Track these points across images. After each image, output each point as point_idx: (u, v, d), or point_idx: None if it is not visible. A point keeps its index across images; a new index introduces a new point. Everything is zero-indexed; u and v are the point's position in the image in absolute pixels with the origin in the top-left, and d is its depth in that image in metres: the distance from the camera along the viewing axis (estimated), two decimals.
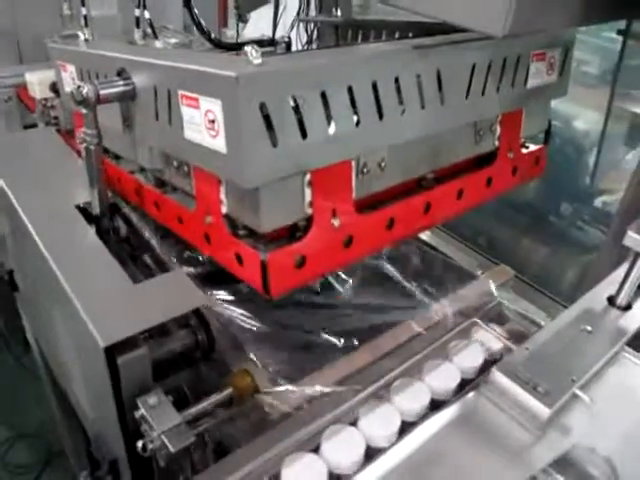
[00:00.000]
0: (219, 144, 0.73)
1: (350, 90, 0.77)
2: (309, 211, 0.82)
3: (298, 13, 1.73)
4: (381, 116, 0.82)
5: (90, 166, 0.99)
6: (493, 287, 1.22)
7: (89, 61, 1.09)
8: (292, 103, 0.72)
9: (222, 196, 0.83)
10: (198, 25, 1.74)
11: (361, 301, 1.17)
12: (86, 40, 1.19)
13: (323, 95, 0.75)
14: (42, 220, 1.09)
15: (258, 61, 0.70)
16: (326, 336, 1.08)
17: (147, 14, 1.64)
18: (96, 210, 1.05)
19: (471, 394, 0.84)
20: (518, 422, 0.79)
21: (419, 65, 0.85)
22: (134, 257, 1.18)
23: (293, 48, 1.66)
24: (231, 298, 1.09)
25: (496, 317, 1.20)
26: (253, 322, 1.07)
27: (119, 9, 1.87)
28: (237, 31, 2.10)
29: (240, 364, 0.98)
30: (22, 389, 2.67)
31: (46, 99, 1.45)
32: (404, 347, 1.05)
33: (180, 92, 0.79)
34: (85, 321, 0.84)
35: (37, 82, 1.44)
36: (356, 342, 1.07)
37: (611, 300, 1.00)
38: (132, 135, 1.01)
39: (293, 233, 0.83)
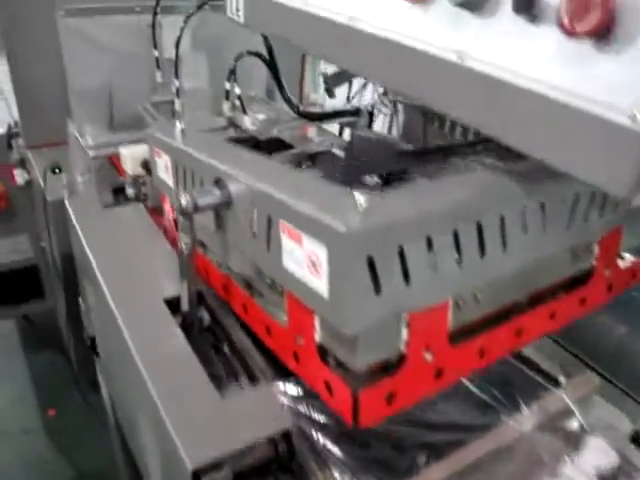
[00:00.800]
0: (321, 286, 0.73)
1: (455, 233, 0.76)
2: (403, 348, 0.80)
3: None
4: (483, 254, 0.80)
5: (184, 268, 1.01)
6: (574, 405, 1.15)
7: (185, 159, 1.12)
8: (397, 250, 0.71)
9: (316, 325, 0.83)
10: (287, 100, 1.78)
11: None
12: (182, 132, 1.22)
13: (429, 241, 0.73)
14: (129, 310, 1.11)
15: (364, 206, 0.70)
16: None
17: (237, 89, 1.68)
18: (185, 307, 1.07)
19: None
20: None
21: (524, 201, 0.83)
22: (216, 347, 1.19)
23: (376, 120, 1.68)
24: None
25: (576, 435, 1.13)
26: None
27: (209, 81, 1.93)
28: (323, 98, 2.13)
29: (320, 474, 0.96)
30: (86, 428, 2.73)
31: (138, 176, 1.50)
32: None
33: (282, 222, 0.79)
34: (173, 437, 0.85)
35: (130, 157, 1.49)
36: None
37: None
38: (224, 237, 1.03)
39: (385, 368, 0.81)
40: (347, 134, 2.01)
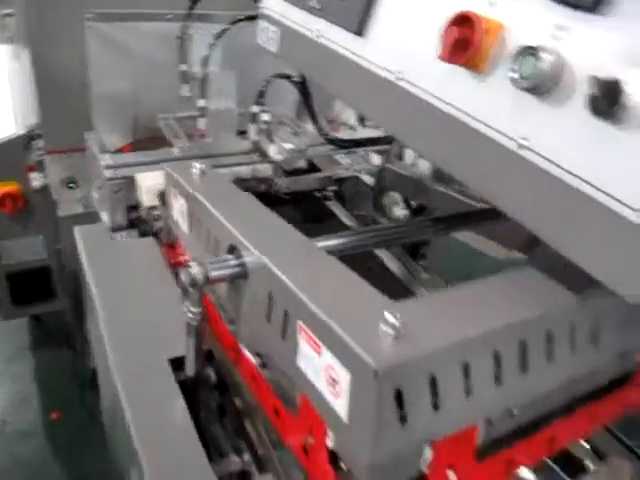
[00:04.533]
0: (339, 407, 0.64)
1: (497, 356, 0.67)
2: (424, 469, 0.71)
3: None
4: (525, 373, 0.71)
5: (190, 340, 0.93)
6: None
7: (200, 211, 1.03)
8: (428, 380, 0.62)
9: (329, 432, 0.74)
10: (317, 125, 1.69)
11: None
12: (202, 172, 1.14)
13: (465, 368, 0.64)
14: (128, 365, 1.04)
15: (398, 328, 0.61)
16: None
17: (266, 116, 1.60)
18: (190, 373, 0.99)
19: None
20: None
21: (576, 316, 0.73)
22: (221, 408, 1.11)
23: None
24: None
25: None
26: None
27: (238, 100, 1.84)
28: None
29: None
30: (90, 432, 2.68)
31: (153, 207, 1.42)
32: None
33: (300, 324, 0.71)
34: None
35: (145, 189, 1.41)
36: None
37: None
38: (237, 306, 0.95)
39: None
40: (376, 159, 1.92)
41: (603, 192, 0.55)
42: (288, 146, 1.62)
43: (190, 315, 0.89)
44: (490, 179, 0.67)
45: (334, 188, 1.95)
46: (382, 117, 0.88)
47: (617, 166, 0.55)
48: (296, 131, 1.91)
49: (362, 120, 1.95)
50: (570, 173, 0.58)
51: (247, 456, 1.00)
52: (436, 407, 0.64)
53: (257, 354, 0.97)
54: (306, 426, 0.80)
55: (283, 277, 0.74)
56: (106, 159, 1.62)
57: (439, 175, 1.51)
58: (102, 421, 1.51)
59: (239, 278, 0.88)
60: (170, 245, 1.37)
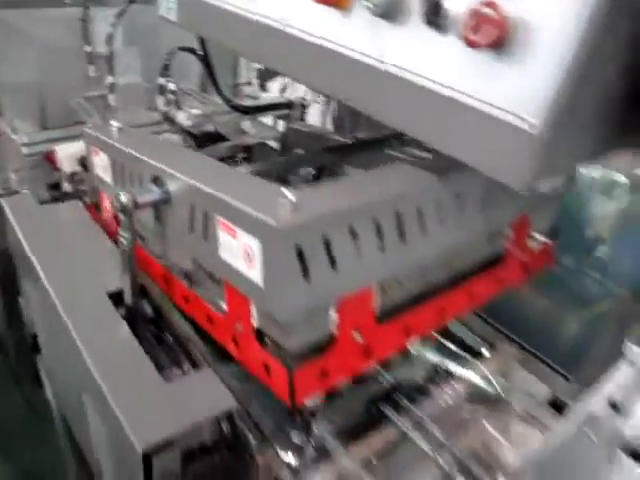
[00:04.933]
0: (255, 276, 0.79)
1: (377, 224, 0.83)
2: (334, 330, 0.88)
3: None
4: (404, 241, 0.88)
5: (125, 263, 1.05)
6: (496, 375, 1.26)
7: (123, 158, 1.15)
8: (323, 241, 0.78)
9: (253, 311, 0.89)
10: (221, 94, 1.82)
11: None
12: (119, 130, 1.25)
13: (352, 231, 0.81)
14: (73, 304, 1.14)
15: (292, 201, 0.76)
16: None
17: (171, 85, 1.71)
18: (128, 300, 1.11)
19: None
20: None
21: (441, 193, 0.91)
22: (159, 338, 1.23)
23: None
24: None
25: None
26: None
27: (143, 76, 1.94)
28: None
29: (263, 452, 1.03)
30: (29, 428, 2.69)
31: (74, 173, 1.51)
32: None
33: (218, 218, 0.85)
34: (121, 422, 0.90)
35: (65, 157, 1.51)
36: None
37: (614, 405, 1.05)
38: (164, 232, 1.07)
39: (318, 348, 0.89)
40: (281, 126, 2.07)
41: (458, 91, 0.71)
42: (195, 112, 1.74)
43: (123, 241, 1.01)
44: (368, 97, 0.83)
45: (243, 155, 2.08)
46: (278, 62, 1.03)
47: (453, 65, 0.72)
48: (202, 101, 2.03)
49: (263, 87, 2.09)
50: (425, 78, 0.74)
51: (187, 366, 1.12)
52: (333, 266, 0.80)
53: (185, 275, 1.10)
54: (234, 316, 0.94)
55: (200, 184, 0.88)
56: (22, 138, 1.68)
57: (339, 127, 1.67)
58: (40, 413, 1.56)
59: (163, 203, 1.01)
60: (94, 205, 1.47)
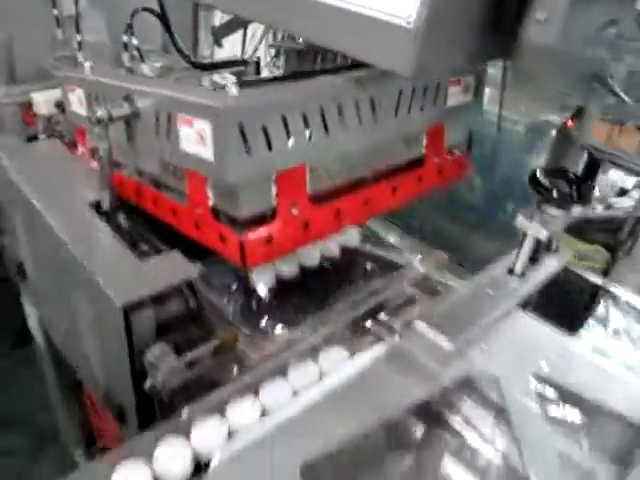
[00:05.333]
0: (208, 153, 1.01)
1: (304, 115, 1.06)
2: (274, 203, 1.10)
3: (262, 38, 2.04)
4: (327, 133, 1.11)
5: (103, 172, 1.26)
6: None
7: (97, 87, 1.36)
8: (261, 124, 1.00)
9: (209, 192, 1.11)
10: (179, 50, 2.02)
11: None
12: (92, 67, 1.45)
13: (284, 119, 1.03)
14: (57, 212, 1.34)
15: (235, 94, 0.98)
16: None
17: (135, 40, 1.91)
18: (106, 206, 1.31)
19: (397, 338, 1.12)
20: (431, 356, 1.08)
21: (357, 95, 1.14)
22: (134, 245, 1.44)
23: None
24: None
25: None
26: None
27: (108, 35, 2.13)
28: (212, 52, 2.39)
29: (221, 325, 1.25)
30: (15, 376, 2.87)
31: (51, 115, 1.70)
32: None
33: (178, 115, 1.06)
34: (103, 289, 1.11)
35: (43, 101, 1.70)
36: None
37: (510, 270, 1.29)
38: (134, 146, 1.28)
39: (263, 220, 1.11)
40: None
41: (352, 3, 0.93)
42: (158, 64, 1.94)
43: (101, 151, 1.22)
44: (292, 21, 1.05)
45: None
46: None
47: None
48: (164, 58, 2.22)
49: (218, 44, 2.29)
50: None
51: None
52: (270, 146, 1.02)
53: (152, 181, 1.31)
54: (194, 202, 1.16)
55: (164, 92, 1.10)
56: (2, 90, 1.86)
57: None
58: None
59: (133, 117, 1.21)
60: (71, 144, 1.66)
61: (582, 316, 1.27)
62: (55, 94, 1.70)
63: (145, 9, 1.90)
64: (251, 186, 1.05)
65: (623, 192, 1.80)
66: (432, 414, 1.06)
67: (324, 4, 0.95)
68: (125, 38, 1.88)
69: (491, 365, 1.08)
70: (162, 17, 1.94)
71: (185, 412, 0.97)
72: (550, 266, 1.32)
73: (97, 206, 1.35)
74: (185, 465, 0.91)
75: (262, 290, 1.29)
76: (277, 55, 1.97)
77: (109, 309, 1.10)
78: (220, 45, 2.23)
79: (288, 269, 1.35)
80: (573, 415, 1.05)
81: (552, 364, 1.09)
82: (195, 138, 1.03)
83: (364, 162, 1.27)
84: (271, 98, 1.03)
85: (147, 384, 1.11)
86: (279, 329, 1.24)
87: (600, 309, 1.34)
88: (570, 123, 1.45)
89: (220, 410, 1.01)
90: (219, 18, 2.79)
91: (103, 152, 1.23)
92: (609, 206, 1.71)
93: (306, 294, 1.37)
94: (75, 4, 2.01)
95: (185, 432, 0.96)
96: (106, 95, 1.32)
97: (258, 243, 1.09)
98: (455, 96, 1.37)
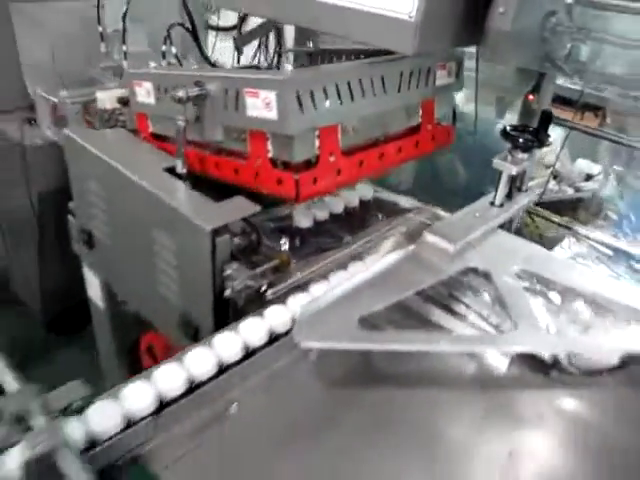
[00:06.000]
0: (272, 115, 1.41)
1: (337, 87, 1.47)
2: (317, 151, 1.51)
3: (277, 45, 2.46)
4: (352, 100, 1.52)
5: (179, 139, 1.65)
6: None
7: (166, 79, 1.76)
8: (309, 91, 1.41)
9: (269, 146, 1.51)
10: (205, 57, 2.44)
11: None
12: (155, 67, 1.85)
13: (324, 89, 1.44)
14: (139, 173, 1.71)
15: (291, 71, 1.39)
16: None
17: (173, 49, 2.32)
18: (180, 169, 1.70)
19: (411, 247, 1.53)
20: (437, 256, 1.48)
21: (372, 73, 1.56)
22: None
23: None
24: None
25: None
26: None
27: (149, 45, 2.54)
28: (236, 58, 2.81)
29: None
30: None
31: (113, 110, 2.10)
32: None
33: (245, 89, 1.46)
34: (192, 220, 1.49)
35: (107, 98, 2.09)
36: None
37: (492, 202, 1.71)
38: (202, 119, 1.68)
39: (309, 165, 1.51)
40: None
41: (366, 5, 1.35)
42: (195, 66, 2.35)
43: (179, 122, 1.62)
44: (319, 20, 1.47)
45: None
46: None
47: None
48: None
49: (239, 51, 2.70)
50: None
51: None
52: (315, 107, 1.43)
53: (213, 150, 1.71)
54: (255, 155, 1.56)
55: (232, 75, 1.51)
56: (62, 94, 2.26)
57: None
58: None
59: (203, 98, 1.61)
60: (133, 132, 2.05)
61: None
62: (114, 93, 2.09)
63: (180, 24, 2.33)
64: (302, 139, 1.45)
65: (589, 177, 2.26)
66: (439, 299, 1.47)
67: (348, 8, 1.37)
68: (164, 47, 2.30)
69: (483, 262, 1.49)
70: (193, 31, 2.36)
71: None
72: (521, 201, 1.74)
73: (170, 170, 1.74)
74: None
75: (303, 226, 1.69)
76: (296, 59, 2.38)
77: (197, 235, 1.49)
78: (241, 53, 2.65)
79: (321, 214, 1.77)
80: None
81: (528, 261, 1.50)
82: (261, 105, 1.43)
83: (377, 126, 1.69)
84: (314, 73, 1.45)
85: (227, 292, 1.50)
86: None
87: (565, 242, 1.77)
88: (531, 97, 1.88)
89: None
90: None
91: (181, 123, 1.63)
92: (578, 189, 2.17)
93: (334, 232, 1.78)
94: (122, 20, 2.41)
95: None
96: (176, 84, 1.71)
97: (307, 182, 1.49)
98: (441, 78, 1.80)
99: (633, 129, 1.98)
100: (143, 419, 1.11)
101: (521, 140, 1.58)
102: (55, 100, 2.31)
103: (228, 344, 1.27)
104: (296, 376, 1.28)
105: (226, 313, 1.56)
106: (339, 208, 1.82)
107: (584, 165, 2.28)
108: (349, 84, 1.50)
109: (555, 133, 1.83)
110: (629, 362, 1.28)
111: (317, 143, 1.50)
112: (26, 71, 2.60)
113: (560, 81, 1.95)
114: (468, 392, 1.26)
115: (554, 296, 1.42)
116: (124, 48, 2.42)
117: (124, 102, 2.05)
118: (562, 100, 2.05)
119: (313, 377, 1.29)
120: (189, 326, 1.69)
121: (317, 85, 1.43)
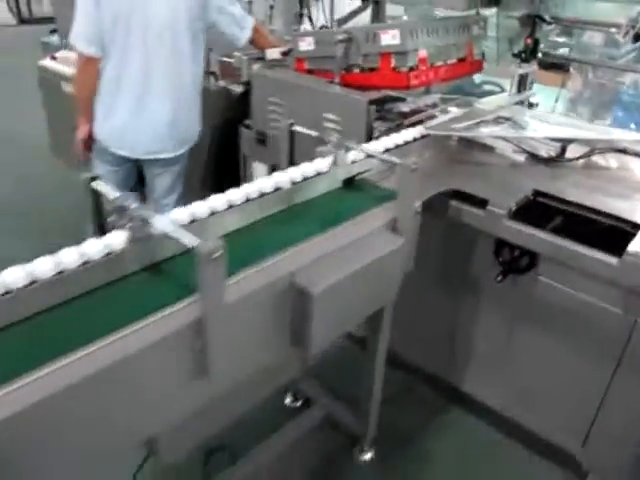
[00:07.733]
0: (396, 41, 2.82)
1: (427, 29, 2.88)
2: (417, 62, 2.91)
3: None
4: (429, 36, 2.93)
5: (338, 64, 3.05)
6: None
7: (324, 33, 3.17)
8: (414, 30, 2.82)
9: (392, 61, 2.91)
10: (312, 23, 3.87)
11: None
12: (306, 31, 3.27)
13: (420, 30, 2.85)
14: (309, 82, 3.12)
15: (405, 19, 2.81)
16: None
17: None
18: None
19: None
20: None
21: (441, 24, 2.97)
22: None
23: None
24: None
25: None
26: None
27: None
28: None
29: None
30: None
31: (275, 59, 3.49)
32: None
33: (381, 32, 2.87)
34: (350, 96, 2.89)
35: (271, 52, 3.48)
36: None
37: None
38: (345, 54, 3.07)
39: (412, 70, 2.91)
40: None
41: None
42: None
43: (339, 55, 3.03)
44: None
45: None
46: None
47: None
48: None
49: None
50: None
51: None
52: (417, 37, 2.84)
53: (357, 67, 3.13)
54: (384, 67, 2.96)
55: (370, 26, 2.93)
56: (237, 54, 3.68)
57: None
58: None
59: (351, 40, 3.01)
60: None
61: None
62: (275, 49, 3.50)
63: None
64: (409, 55, 2.85)
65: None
66: None
67: None
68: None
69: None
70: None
71: None
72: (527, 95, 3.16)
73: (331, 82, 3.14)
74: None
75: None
76: None
77: (357, 106, 2.89)
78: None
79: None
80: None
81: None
82: (389, 38, 2.83)
83: (444, 54, 3.09)
84: (415, 22, 2.86)
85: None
86: None
87: None
88: (529, 41, 3.29)
89: None
90: None
91: (339, 55, 3.03)
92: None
93: None
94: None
95: None
96: (330, 39, 3.11)
97: (414, 77, 2.89)
98: (475, 30, 3.22)
99: None
100: None
101: (523, 56, 3.00)
102: (231, 60, 3.73)
103: None
104: None
105: None
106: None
107: None
108: (428, 29, 2.91)
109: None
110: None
111: (417, 57, 2.90)
112: None
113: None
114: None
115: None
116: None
117: (285, 54, 3.46)
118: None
119: None
120: None
121: (417, 27, 2.83)
